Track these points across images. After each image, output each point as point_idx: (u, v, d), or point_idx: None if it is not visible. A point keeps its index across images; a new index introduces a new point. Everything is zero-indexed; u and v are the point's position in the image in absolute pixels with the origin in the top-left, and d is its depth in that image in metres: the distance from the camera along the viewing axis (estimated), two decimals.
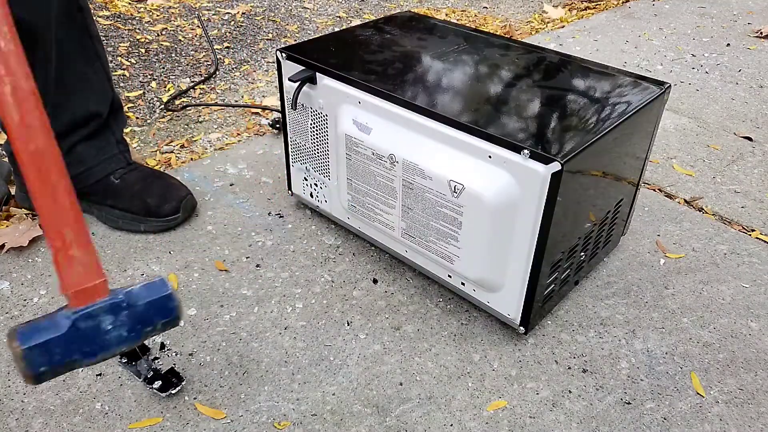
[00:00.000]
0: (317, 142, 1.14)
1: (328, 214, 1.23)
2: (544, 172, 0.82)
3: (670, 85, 1.05)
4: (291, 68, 1.11)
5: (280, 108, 1.20)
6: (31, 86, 0.68)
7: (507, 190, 0.86)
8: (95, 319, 0.71)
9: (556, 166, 0.81)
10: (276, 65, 1.15)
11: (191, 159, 1.52)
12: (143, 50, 2.13)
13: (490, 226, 0.90)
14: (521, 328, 0.99)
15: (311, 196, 1.24)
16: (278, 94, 1.88)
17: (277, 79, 1.18)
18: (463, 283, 1.03)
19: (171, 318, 0.77)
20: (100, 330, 0.71)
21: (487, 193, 0.87)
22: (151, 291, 0.76)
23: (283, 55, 1.12)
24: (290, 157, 1.24)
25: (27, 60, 1.06)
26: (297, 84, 1.08)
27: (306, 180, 1.23)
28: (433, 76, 1.04)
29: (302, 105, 1.12)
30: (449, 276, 1.05)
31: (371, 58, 1.10)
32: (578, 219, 0.95)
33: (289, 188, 1.29)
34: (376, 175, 1.02)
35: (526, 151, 0.83)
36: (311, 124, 1.13)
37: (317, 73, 1.06)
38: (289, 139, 1.21)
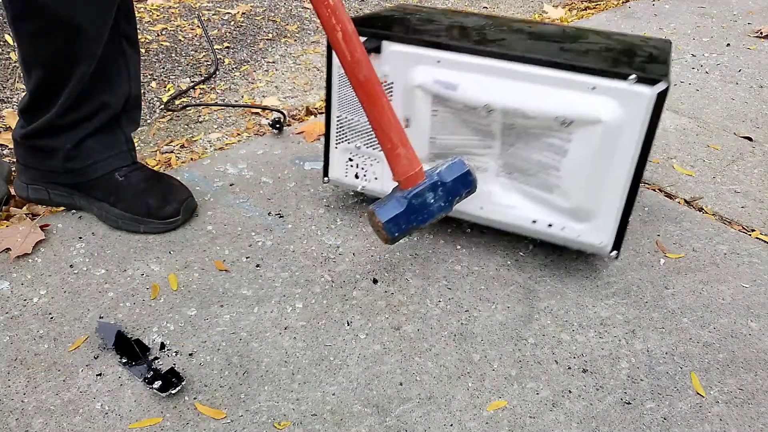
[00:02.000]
0: None
1: (378, 192, 1.23)
2: (650, 93, 0.94)
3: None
4: None
5: (325, 87, 1.20)
6: (352, 28, 0.92)
7: (612, 116, 0.97)
8: (423, 196, 0.97)
9: (661, 86, 0.93)
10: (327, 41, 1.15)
11: (191, 159, 1.52)
12: (143, 50, 2.13)
13: (594, 152, 1.00)
14: (613, 252, 1.08)
15: (356, 177, 1.24)
16: (278, 95, 1.88)
17: (325, 60, 1.19)
18: (550, 225, 1.10)
19: (471, 188, 1.01)
20: (427, 203, 0.97)
21: (593, 121, 0.99)
22: (455, 170, 0.99)
23: None
24: (332, 139, 1.23)
25: (76, 55, 1.09)
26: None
27: (351, 160, 1.23)
28: (498, 35, 1.14)
29: None
30: (534, 221, 1.11)
31: (431, 27, 1.15)
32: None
33: (325, 174, 1.28)
34: (468, 125, 1.09)
35: (632, 76, 0.93)
36: None
37: (384, 42, 1.09)
38: (334, 119, 1.21)
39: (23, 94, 1.18)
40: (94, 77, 1.13)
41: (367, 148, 1.21)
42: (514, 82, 1.02)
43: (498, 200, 1.13)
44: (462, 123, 1.08)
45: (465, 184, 1.00)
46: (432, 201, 0.98)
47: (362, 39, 1.11)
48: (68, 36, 1.06)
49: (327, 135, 1.24)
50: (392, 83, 1.12)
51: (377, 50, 1.10)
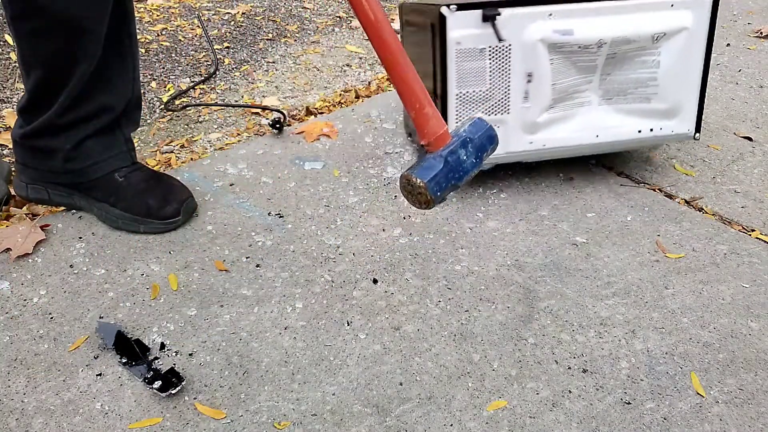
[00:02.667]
0: (498, 79, 1.27)
1: (497, 158, 1.30)
2: (708, 1, 1.28)
3: None
4: (460, 19, 1.21)
5: (440, 67, 1.26)
6: None
7: (689, 23, 1.29)
8: (456, 153, 0.96)
9: None
10: (438, 22, 1.21)
11: (191, 159, 1.52)
12: (143, 50, 2.13)
13: (681, 55, 1.30)
14: (697, 135, 1.38)
15: None
16: (278, 95, 1.88)
17: (432, 40, 1.28)
18: (651, 129, 1.35)
19: (495, 143, 1.02)
20: (461, 160, 0.97)
21: (679, 29, 1.28)
22: (479, 127, 1.00)
23: (453, 7, 1.20)
24: (451, 119, 1.28)
25: (75, 55, 1.09)
26: (489, 22, 1.23)
27: None
28: None
29: (478, 50, 1.24)
30: (639, 131, 1.35)
31: None
32: None
33: None
34: (575, 66, 1.29)
35: None
36: (490, 64, 1.25)
37: (501, 9, 1.21)
38: (453, 98, 1.27)
39: (22, 93, 1.18)
40: (95, 78, 1.13)
41: (489, 115, 1.30)
42: (618, 16, 1.26)
43: (606, 124, 1.34)
44: (571, 65, 1.28)
45: (490, 139, 1.02)
46: (465, 158, 0.98)
47: (479, 11, 1.22)
48: (68, 35, 1.06)
49: (445, 115, 1.27)
50: (510, 45, 1.24)
51: (494, 18, 1.21)
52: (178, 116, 1.75)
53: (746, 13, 2.64)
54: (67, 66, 1.09)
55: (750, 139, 1.65)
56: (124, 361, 0.96)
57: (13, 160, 1.32)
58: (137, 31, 2.26)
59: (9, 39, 2.05)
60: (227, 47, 2.22)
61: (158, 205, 1.21)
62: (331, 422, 0.89)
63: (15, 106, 1.69)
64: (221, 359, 0.98)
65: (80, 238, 1.22)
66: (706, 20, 1.29)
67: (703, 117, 1.74)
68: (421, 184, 0.94)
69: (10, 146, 1.49)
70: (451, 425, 0.89)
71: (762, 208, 1.37)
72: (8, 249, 1.16)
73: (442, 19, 1.21)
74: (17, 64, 1.18)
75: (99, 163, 1.22)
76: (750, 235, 1.29)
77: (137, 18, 2.36)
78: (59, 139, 1.18)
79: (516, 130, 1.32)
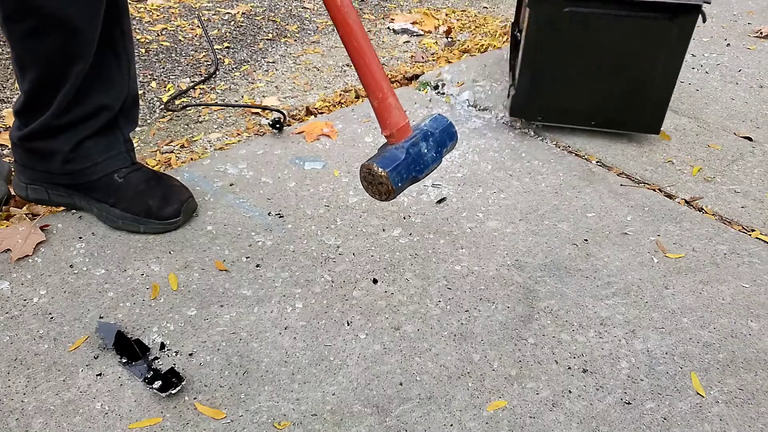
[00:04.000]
0: None
1: None
2: None
3: None
4: None
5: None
6: None
7: None
8: (417, 145, 0.97)
9: None
10: None
11: (191, 159, 1.52)
12: (143, 50, 2.13)
13: None
14: None
15: None
16: (278, 95, 1.88)
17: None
18: None
19: (455, 140, 1.04)
20: (422, 153, 0.98)
21: None
22: (439, 122, 1.02)
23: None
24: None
25: (70, 54, 1.07)
26: None
27: None
28: None
29: None
30: None
31: None
32: None
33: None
34: None
35: None
36: None
37: None
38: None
39: (18, 95, 1.17)
40: (90, 77, 1.12)
41: None
42: None
43: None
44: None
45: (450, 135, 1.03)
46: (426, 151, 0.99)
47: None
48: (61, 35, 1.05)
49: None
50: None
51: None
52: (178, 116, 1.75)
53: (746, 13, 2.64)
54: (62, 66, 1.09)
55: (750, 139, 1.65)
56: (124, 361, 0.96)
57: (13, 160, 1.32)
58: (137, 31, 2.26)
59: None
60: (227, 47, 2.22)
61: (158, 205, 1.21)
62: (331, 422, 0.89)
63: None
64: (221, 359, 0.98)
65: (80, 238, 1.21)
66: None
67: (704, 117, 1.74)
68: (383, 173, 0.94)
69: (10, 146, 1.49)
70: (451, 425, 0.89)
71: (762, 208, 1.37)
72: (8, 250, 1.16)
73: None
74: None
75: (98, 164, 1.21)
76: (750, 235, 1.29)
77: (137, 18, 2.36)
78: (57, 141, 1.17)
79: None
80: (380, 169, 0.94)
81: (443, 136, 1.02)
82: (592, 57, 1.49)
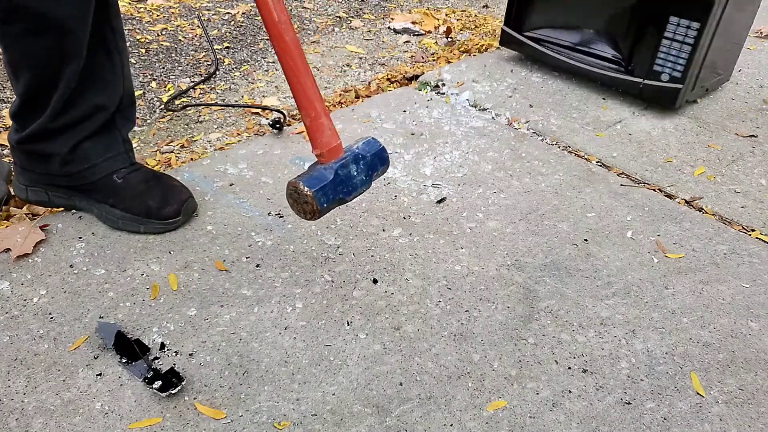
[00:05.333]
0: None
1: None
2: None
3: None
4: None
5: None
6: None
7: None
8: (348, 167, 0.97)
9: None
10: None
11: (191, 159, 1.52)
12: (143, 50, 2.13)
13: None
14: None
15: None
16: (278, 95, 1.88)
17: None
18: None
19: (386, 165, 1.04)
20: (351, 175, 0.97)
21: None
22: (371, 146, 1.02)
23: None
24: None
25: (62, 55, 1.07)
26: None
27: None
28: None
29: None
30: None
31: None
32: None
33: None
34: None
35: None
36: None
37: None
38: None
39: (14, 98, 1.17)
40: (85, 78, 1.12)
41: None
42: None
43: None
44: None
45: (381, 160, 1.03)
46: (355, 174, 0.98)
47: None
48: (52, 36, 1.04)
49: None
50: None
51: None
52: (178, 116, 1.75)
53: None
54: (55, 67, 1.08)
55: (750, 139, 1.65)
56: (124, 361, 0.96)
57: (12, 161, 1.32)
58: (137, 31, 2.26)
59: None
60: (227, 47, 2.22)
61: (158, 205, 1.21)
62: (331, 422, 0.89)
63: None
64: (221, 359, 0.98)
65: (80, 238, 1.21)
66: None
67: (704, 117, 1.74)
68: (309, 193, 0.93)
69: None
70: (451, 425, 0.89)
71: (762, 208, 1.37)
72: (8, 249, 1.16)
73: None
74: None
75: (97, 166, 1.21)
76: (750, 235, 1.29)
77: (137, 18, 2.36)
78: (55, 144, 1.17)
79: None
80: (306, 188, 0.93)
81: (374, 160, 1.01)
82: None
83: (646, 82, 1.70)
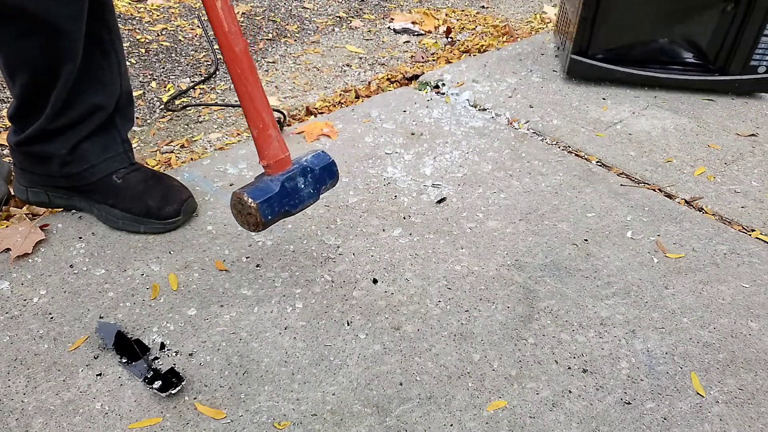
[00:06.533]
0: None
1: None
2: None
3: None
4: None
5: None
6: None
7: None
8: (295, 180, 0.96)
9: None
10: None
11: (191, 159, 1.52)
12: (143, 50, 2.13)
13: None
14: None
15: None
16: (278, 95, 1.88)
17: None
18: None
19: (335, 179, 1.03)
20: (298, 188, 0.96)
21: None
22: (321, 159, 1.01)
23: None
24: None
25: (58, 55, 1.06)
26: None
27: None
28: None
29: None
30: None
31: None
32: None
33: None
34: None
35: None
36: None
37: None
38: None
39: (12, 100, 1.16)
40: (81, 78, 1.12)
41: None
42: None
43: None
44: None
45: (330, 174, 1.02)
46: (303, 186, 0.97)
47: None
48: (47, 36, 1.04)
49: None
50: None
51: None
52: (178, 116, 1.75)
53: None
54: (51, 68, 1.08)
55: (750, 138, 1.65)
56: (124, 361, 0.96)
57: (12, 162, 1.32)
58: (137, 31, 2.26)
59: None
60: None
61: (158, 205, 1.21)
62: (331, 422, 0.89)
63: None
64: (221, 359, 0.98)
65: (80, 238, 1.22)
66: None
67: (704, 117, 1.75)
68: (253, 205, 0.91)
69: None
70: (451, 425, 0.89)
71: (762, 208, 1.37)
72: (8, 249, 1.16)
73: None
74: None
75: (96, 166, 1.21)
76: (750, 235, 1.29)
77: (137, 18, 2.36)
78: (54, 145, 1.17)
79: None
80: (250, 200, 0.92)
81: (323, 174, 1.01)
82: None
83: (743, 77, 1.83)
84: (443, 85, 1.88)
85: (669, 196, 1.41)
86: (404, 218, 1.30)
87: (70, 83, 1.10)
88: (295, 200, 0.97)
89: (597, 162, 1.52)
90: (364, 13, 2.63)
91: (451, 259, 1.19)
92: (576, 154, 1.55)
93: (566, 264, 1.19)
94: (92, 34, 1.11)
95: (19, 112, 1.14)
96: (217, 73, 2.02)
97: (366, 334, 1.03)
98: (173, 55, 2.13)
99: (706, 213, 1.36)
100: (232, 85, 1.94)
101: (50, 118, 1.12)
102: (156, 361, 0.97)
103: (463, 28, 2.49)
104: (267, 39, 2.30)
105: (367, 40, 2.36)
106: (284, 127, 1.62)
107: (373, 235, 1.25)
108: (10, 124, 1.20)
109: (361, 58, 2.19)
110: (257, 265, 1.16)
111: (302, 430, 0.87)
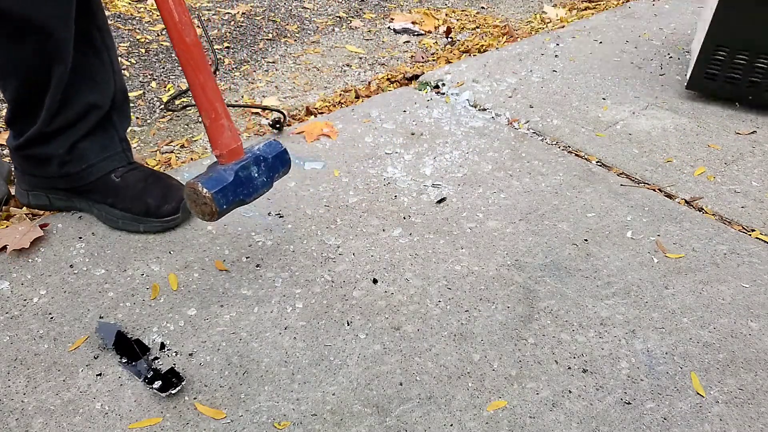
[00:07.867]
0: None
1: None
2: None
3: None
4: None
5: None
6: None
7: None
8: (248, 169, 0.97)
9: None
10: None
11: (191, 159, 1.52)
12: (143, 50, 2.13)
13: None
14: None
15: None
16: (278, 95, 1.88)
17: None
18: None
19: (287, 167, 1.04)
20: (252, 177, 0.97)
21: None
22: (273, 148, 1.03)
23: None
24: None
25: (49, 56, 1.05)
26: None
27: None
28: None
29: None
30: None
31: None
32: None
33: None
34: None
35: None
36: None
37: None
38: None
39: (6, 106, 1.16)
40: (75, 78, 1.11)
41: None
42: None
43: None
44: None
45: (282, 162, 1.03)
46: (256, 175, 0.98)
47: None
48: (36, 38, 1.03)
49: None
50: None
51: None
52: (178, 116, 1.75)
53: None
54: (42, 69, 1.07)
55: (750, 138, 1.65)
56: (124, 361, 0.96)
57: (12, 165, 1.32)
58: (137, 31, 2.26)
59: None
60: (227, 47, 2.22)
61: (157, 203, 1.21)
62: (331, 422, 0.89)
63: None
64: (221, 359, 0.98)
65: (80, 238, 1.22)
66: None
67: (704, 117, 1.74)
68: (207, 194, 0.92)
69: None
70: (451, 425, 0.89)
71: (762, 208, 1.37)
72: (6, 246, 1.16)
73: None
74: None
75: (95, 166, 1.21)
76: (750, 235, 1.29)
77: (137, 18, 2.36)
78: (52, 146, 1.16)
79: None
80: (205, 190, 0.92)
81: (276, 162, 1.02)
82: None
83: None
84: (443, 85, 1.88)
85: (669, 196, 1.41)
86: (404, 218, 1.30)
87: (64, 84, 1.10)
88: (249, 189, 0.98)
89: (597, 162, 1.52)
90: (364, 13, 2.63)
91: (451, 259, 1.19)
92: (576, 154, 1.55)
93: (566, 264, 1.19)
94: (82, 33, 1.10)
95: (15, 117, 1.14)
96: (217, 73, 2.02)
97: (366, 334, 1.03)
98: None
99: (706, 213, 1.36)
100: (233, 85, 1.95)
101: (47, 120, 1.12)
102: (156, 361, 0.97)
103: (463, 28, 2.49)
104: (267, 39, 2.30)
105: (367, 40, 2.36)
106: (284, 127, 1.62)
107: (373, 235, 1.25)
108: (8, 131, 1.20)
109: (361, 58, 2.19)
110: (257, 265, 1.16)
111: (302, 430, 0.87)
